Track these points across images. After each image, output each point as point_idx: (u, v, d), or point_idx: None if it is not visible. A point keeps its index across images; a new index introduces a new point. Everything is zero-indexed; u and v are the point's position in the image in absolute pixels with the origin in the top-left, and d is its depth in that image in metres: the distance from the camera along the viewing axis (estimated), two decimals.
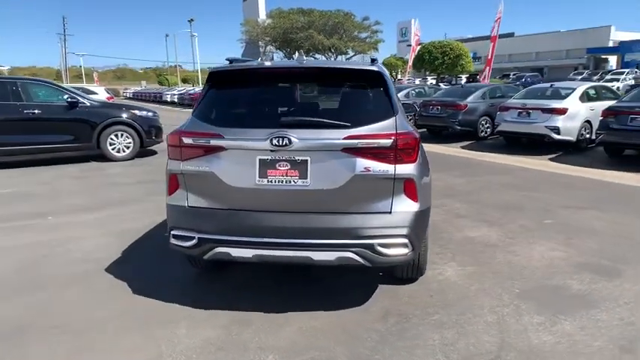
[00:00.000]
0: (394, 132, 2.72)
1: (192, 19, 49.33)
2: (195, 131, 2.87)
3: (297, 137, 2.67)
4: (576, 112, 9.32)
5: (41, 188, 6.87)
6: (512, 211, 5.36)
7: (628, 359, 2.50)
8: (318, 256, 2.74)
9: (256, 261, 2.83)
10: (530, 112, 9.70)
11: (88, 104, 8.87)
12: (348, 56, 48.89)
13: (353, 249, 2.71)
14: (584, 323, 2.86)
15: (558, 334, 2.74)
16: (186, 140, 2.86)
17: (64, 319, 3.00)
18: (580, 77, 39.19)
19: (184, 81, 73.77)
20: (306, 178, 2.72)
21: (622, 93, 11.74)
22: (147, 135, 9.44)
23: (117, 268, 3.82)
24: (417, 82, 34.69)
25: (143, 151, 9.65)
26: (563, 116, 9.18)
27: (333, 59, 46.02)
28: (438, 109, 11.94)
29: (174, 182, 2.99)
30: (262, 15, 50.13)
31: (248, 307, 3.10)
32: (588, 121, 9.49)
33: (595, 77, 37.12)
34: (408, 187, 2.77)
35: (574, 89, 9.86)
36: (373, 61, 3.20)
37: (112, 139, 9.03)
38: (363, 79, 2.96)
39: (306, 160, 2.71)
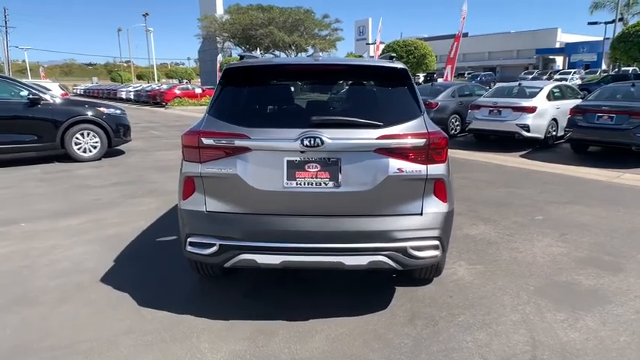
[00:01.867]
0: (426, 131, 2.65)
1: (146, 14, 47.47)
2: (217, 131, 2.67)
3: (330, 137, 2.54)
4: (544, 111, 9.71)
5: (5, 192, 6.30)
6: (503, 207, 5.47)
7: None
8: (349, 260, 2.63)
9: (283, 267, 2.68)
10: (501, 110, 10.00)
11: (51, 101, 8.25)
12: (308, 54, 48.84)
13: (385, 252, 2.62)
14: (605, 318, 2.92)
15: (584, 331, 2.78)
16: (207, 141, 2.66)
17: (69, 338, 2.73)
18: (530, 77, 41.32)
19: (139, 77, 71.02)
20: (337, 180, 2.60)
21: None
22: (115, 134, 8.94)
23: (113, 278, 3.54)
24: None
25: (110, 150, 9.12)
26: (532, 114, 9.53)
27: (294, 56, 45.79)
28: None
29: (190, 186, 2.78)
30: (220, 10, 48.91)
31: (266, 315, 2.96)
32: (555, 119, 9.91)
33: (544, 77, 39.22)
34: (438, 188, 2.72)
35: (541, 88, 10.27)
36: (392, 57, 3.12)
37: (77, 138, 8.47)
38: (388, 76, 2.87)
39: (337, 161, 2.60)
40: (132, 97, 34.77)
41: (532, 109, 9.57)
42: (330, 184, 2.61)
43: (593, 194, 6.11)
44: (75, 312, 3.04)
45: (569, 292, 3.30)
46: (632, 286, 3.37)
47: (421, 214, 2.70)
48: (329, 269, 2.87)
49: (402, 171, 2.61)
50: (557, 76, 35.12)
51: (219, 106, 2.83)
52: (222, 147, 2.64)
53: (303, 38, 42.06)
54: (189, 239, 2.75)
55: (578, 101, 9.83)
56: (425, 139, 2.63)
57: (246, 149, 2.62)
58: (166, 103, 28.30)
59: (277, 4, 43.70)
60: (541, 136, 9.73)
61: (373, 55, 31.25)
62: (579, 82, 29.29)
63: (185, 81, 54.39)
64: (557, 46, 50.77)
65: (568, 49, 48.09)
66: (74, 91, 49.59)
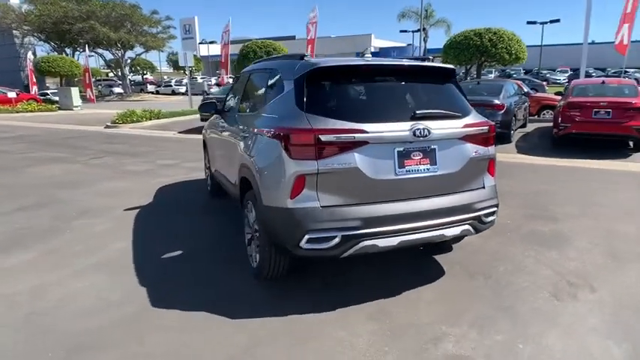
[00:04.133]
0: (486, 120, 3.27)
1: None
2: (334, 128, 2.78)
3: (433, 128, 2.94)
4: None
5: None
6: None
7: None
8: (449, 232, 3.09)
9: (399, 247, 2.97)
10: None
11: None
12: (138, 53, 44.96)
13: (469, 222, 3.16)
14: (575, 246, 4.02)
15: (568, 254, 3.80)
16: (326, 138, 2.75)
17: None
18: None
19: None
20: (435, 164, 3.02)
21: None
22: None
23: (165, 300, 3.20)
24: None
25: None
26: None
27: (120, 55, 41.60)
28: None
29: (300, 184, 2.81)
30: None
31: (364, 297, 3.18)
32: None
33: None
34: (491, 165, 3.37)
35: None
36: (425, 59, 3.63)
37: None
38: (447, 76, 3.37)
39: (435, 149, 3.01)
40: None
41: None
42: (431, 168, 3.00)
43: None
44: (178, 342, 2.74)
45: (538, 236, 4.34)
46: (573, 227, 4.61)
47: (484, 187, 3.31)
48: (433, 242, 3.23)
49: (478, 153, 3.19)
50: None
51: (315, 103, 2.91)
52: (342, 143, 2.78)
53: (132, 35, 38.49)
54: (307, 236, 2.80)
55: None
56: (488, 127, 3.25)
57: (364, 143, 2.81)
58: None
59: None
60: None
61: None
62: None
63: None
64: (372, 50, 57.92)
65: (382, 53, 55.36)
66: None
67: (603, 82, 10.14)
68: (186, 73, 22.92)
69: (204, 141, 6.18)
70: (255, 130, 3.38)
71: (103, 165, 8.73)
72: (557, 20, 30.83)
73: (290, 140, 2.82)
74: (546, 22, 30.38)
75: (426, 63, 3.32)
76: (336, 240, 2.81)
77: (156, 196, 6.16)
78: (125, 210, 5.51)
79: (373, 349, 2.62)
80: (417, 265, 3.76)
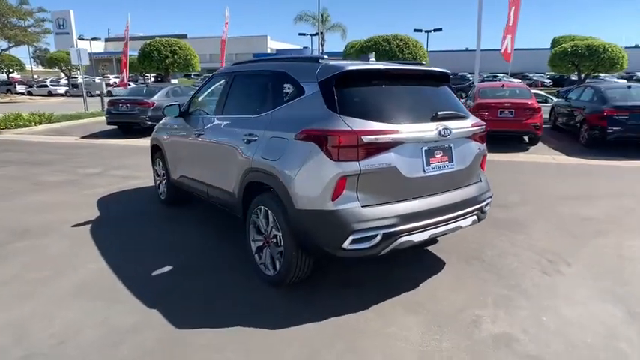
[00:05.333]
0: (480, 120, 3.61)
1: None
2: (374, 129, 2.84)
3: (452, 127, 3.16)
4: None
5: None
6: None
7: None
8: (464, 223, 3.35)
9: (428, 240, 3.13)
10: None
11: None
12: (4, 48, 39.08)
13: (476, 213, 3.47)
14: (527, 229, 4.63)
15: (526, 236, 4.38)
16: (368, 139, 2.80)
17: None
18: None
19: None
20: (452, 161, 3.25)
21: None
22: None
23: (185, 330, 2.96)
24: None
25: None
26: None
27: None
28: (127, 106, 12.60)
29: (341, 185, 2.82)
30: None
31: (385, 295, 3.29)
32: None
33: None
34: (484, 160, 3.72)
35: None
36: (419, 63, 3.86)
37: None
38: (447, 79, 3.62)
39: (451, 147, 3.25)
40: None
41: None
42: (450, 165, 3.23)
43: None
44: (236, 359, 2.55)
45: (501, 222, 4.89)
46: (524, 213, 5.27)
47: (481, 180, 3.64)
48: (450, 233, 3.43)
49: (480, 150, 3.50)
50: None
51: (346, 105, 2.93)
52: (381, 143, 2.85)
53: None
54: (351, 237, 2.82)
55: None
56: (483, 126, 3.58)
57: (400, 143, 2.92)
58: None
59: None
60: None
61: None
62: None
63: None
64: (269, 51, 58.05)
65: (278, 55, 55.75)
66: None
67: (503, 85, 11.58)
68: (77, 71, 20.54)
69: (154, 146, 5.72)
70: (270, 133, 3.28)
71: (9, 177, 7.53)
72: (440, 29, 34.07)
73: (332, 142, 2.80)
74: (431, 31, 33.37)
75: (433, 68, 3.53)
76: (378, 238, 2.88)
77: (101, 209, 5.53)
78: (74, 226, 4.87)
79: (428, 339, 2.75)
80: (418, 258, 3.97)
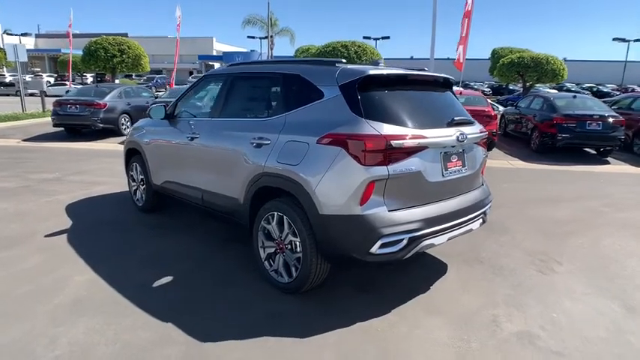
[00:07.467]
0: (483, 127, 3.76)
1: None
2: (402, 134, 2.85)
3: (467, 133, 3.26)
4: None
5: None
6: None
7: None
8: (474, 226, 3.46)
9: (445, 242, 3.20)
10: None
11: None
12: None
13: (481, 215, 3.59)
14: (512, 232, 4.89)
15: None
16: (396, 143, 2.81)
17: None
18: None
19: None
20: (465, 166, 3.35)
21: None
22: None
23: (210, 343, 2.81)
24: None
25: None
26: None
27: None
28: (77, 107, 11.90)
29: (370, 190, 2.81)
30: None
31: (400, 300, 3.33)
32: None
33: None
34: (484, 165, 3.87)
35: None
36: (422, 69, 3.94)
37: None
38: (452, 86, 3.73)
39: (464, 152, 3.34)
40: None
41: None
42: (463, 169, 3.32)
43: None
44: None
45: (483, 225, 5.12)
46: (500, 215, 5.54)
47: (482, 184, 3.79)
48: (463, 235, 3.50)
49: (484, 155, 3.64)
50: None
51: (368, 110, 2.93)
52: (408, 148, 2.88)
53: None
54: (380, 241, 2.81)
55: None
56: (487, 132, 3.73)
57: (424, 148, 2.96)
58: None
59: None
60: None
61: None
62: None
63: None
64: (215, 53, 56.82)
65: (226, 57, 54.55)
66: None
67: (461, 93, 12.13)
68: (3, 68, 18.85)
69: (131, 150, 5.38)
70: (286, 136, 3.20)
71: None
72: (388, 37, 35.10)
73: (360, 146, 2.78)
74: (379, 38, 34.27)
75: (442, 74, 3.62)
76: (404, 242, 2.90)
77: (72, 218, 5.10)
78: (47, 236, 4.47)
79: (456, 340, 2.80)
80: (422, 261, 4.03)
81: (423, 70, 3.87)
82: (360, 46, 16.92)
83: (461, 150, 3.32)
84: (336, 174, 2.88)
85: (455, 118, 3.28)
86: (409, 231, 2.91)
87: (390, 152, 2.82)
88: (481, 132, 3.57)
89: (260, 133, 3.43)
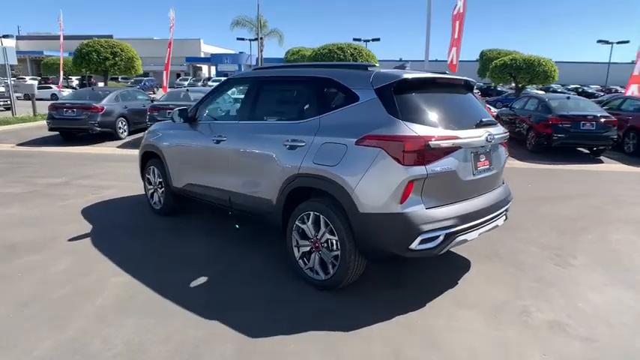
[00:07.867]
0: (504, 128, 3.93)
1: None
2: (439, 135, 2.99)
3: (494, 133, 3.43)
4: None
5: None
6: None
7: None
8: (500, 222, 3.63)
9: (475, 238, 3.34)
10: None
11: None
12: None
13: (505, 212, 3.75)
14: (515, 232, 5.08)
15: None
16: (434, 144, 2.95)
17: None
18: (186, 82, 44.47)
19: None
20: (492, 164, 3.51)
21: None
22: None
23: (259, 339, 2.90)
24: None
25: None
26: None
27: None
28: (73, 111, 11.78)
29: (409, 189, 2.94)
30: None
31: (435, 292, 3.46)
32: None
33: (199, 83, 43.14)
34: (504, 164, 4.04)
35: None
36: (443, 73, 4.09)
37: None
38: (473, 88, 3.88)
39: (490, 152, 3.50)
40: None
41: None
42: (490, 168, 3.48)
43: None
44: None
45: None
46: (517, 215, 5.71)
47: (504, 183, 3.95)
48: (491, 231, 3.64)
49: (506, 154, 3.80)
50: (209, 82, 39.22)
51: (409, 112, 3.06)
52: (445, 148, 3.02)
53: None
54: (419, 238, 2.95)
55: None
56: (508, 133, 3.90)
57: (458, 148, 3.11)
58: None
59: None
60: None
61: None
62: None
63: None
64: (202, 55, 56.55)
65: (214, 59, 54.50)
66: None
67: None
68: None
69: (148, 153, 5.41)
70: (322, 138, 3.30)
71: None
72: (378, 39, 35.55)
73: (400, 147, 2.91)
74: (369, 40, 34.63)
75: (467, 78, 3.77)
76: (441, 238, 3.04)
77: (91, 221, 5.12)
78: (70, 240, 4.49)
79: (493, 330, 2.95)
80: (445, 258, 4.15)
81: (444, 73, 4.04)
82: (356, 49, 17.10)
83: (488, 150, 3.47)
84: (376, 174, 3.00)
85: (482, 120, 3.44)
86: (445, 227, 3.05)
87: (428, 152, 2.96)
88: (504, 133, 3.74)
89: (294, 135, 3.53)
